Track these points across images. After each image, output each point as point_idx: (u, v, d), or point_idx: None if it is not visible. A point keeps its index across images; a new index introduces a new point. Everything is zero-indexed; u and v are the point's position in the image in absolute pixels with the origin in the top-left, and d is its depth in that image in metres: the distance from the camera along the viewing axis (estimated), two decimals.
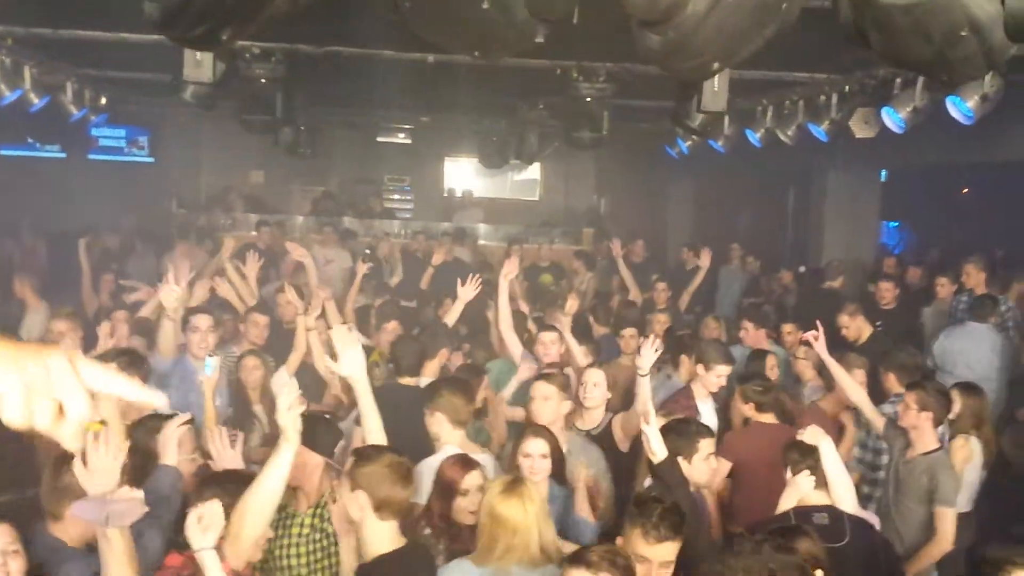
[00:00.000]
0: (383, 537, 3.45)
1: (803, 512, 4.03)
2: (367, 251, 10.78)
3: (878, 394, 5.91)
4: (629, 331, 7.46)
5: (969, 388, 5.74)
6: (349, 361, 4.10)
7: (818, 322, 5.78)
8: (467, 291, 6.93)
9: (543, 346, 6.33)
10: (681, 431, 4.36)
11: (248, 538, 3.28)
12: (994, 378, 7.58)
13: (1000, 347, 7.78)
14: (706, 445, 4.35)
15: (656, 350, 5.21)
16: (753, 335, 7.50)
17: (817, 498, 4.13)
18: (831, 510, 4.08)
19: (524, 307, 8.17)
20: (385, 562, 3.42)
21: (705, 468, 4.36)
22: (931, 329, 8.70)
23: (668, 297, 9.60)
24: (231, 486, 3.45)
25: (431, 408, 4.68)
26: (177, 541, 3.41)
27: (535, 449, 4.33)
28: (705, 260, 10.09)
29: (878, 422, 5.30)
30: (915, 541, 4.90)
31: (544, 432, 4.47)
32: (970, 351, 7.65)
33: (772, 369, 6.52)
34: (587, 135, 7.49)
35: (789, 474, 4.24)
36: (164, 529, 3.63)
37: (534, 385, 5.10)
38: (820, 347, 5.62)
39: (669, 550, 3.35)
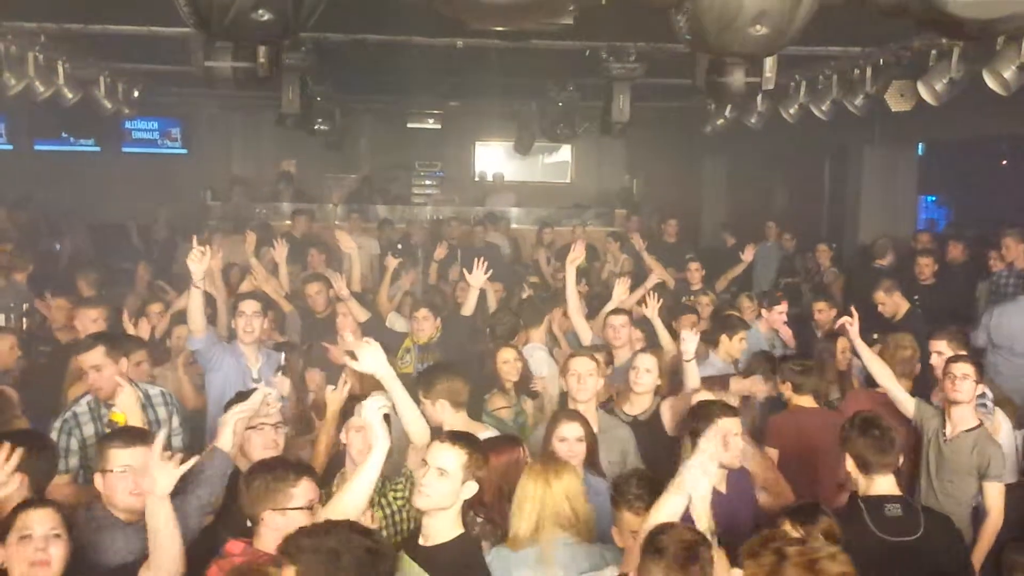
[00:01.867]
0: (449, 524, 3.46)
1: (875, 502, 3.92)
2: (399, 245, 10.76)
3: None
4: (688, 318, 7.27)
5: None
6: (368, 358, 4.08)
7: (853, 308, 5.68)
8: (477, 277, 6.88)
9: (612, 329, 6.32)
10: (700, 411, 4.36)
11: None
12: None
13: None
14: (727, 424, 4.28)
15: (696, 333, 5.22)
16: (767, 318, 7.40)
17: (887, 487, 3.98)
18: (904, 501, 3.98)
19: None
20: (447, 549, 3.44)
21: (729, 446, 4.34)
22: (985, 304, 8.50)
23: (702, 276, 9.49)
24: None
25: (431, 397, 4.63)
26: (233, 530, 3.48)
27: (571, 433, 4.34)
28: (749, 255, 10.01)
29: (908, 405, 5.19)
30: (964, 517, 4.83)
31: (579, 416, 4.49)
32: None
33: (843, 352, 6.33)
34: (618, 118, 7.42)
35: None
36: (202, 509, 3.70)
37: (575, 360, 5.03)
38: (853, 333, 5.49)
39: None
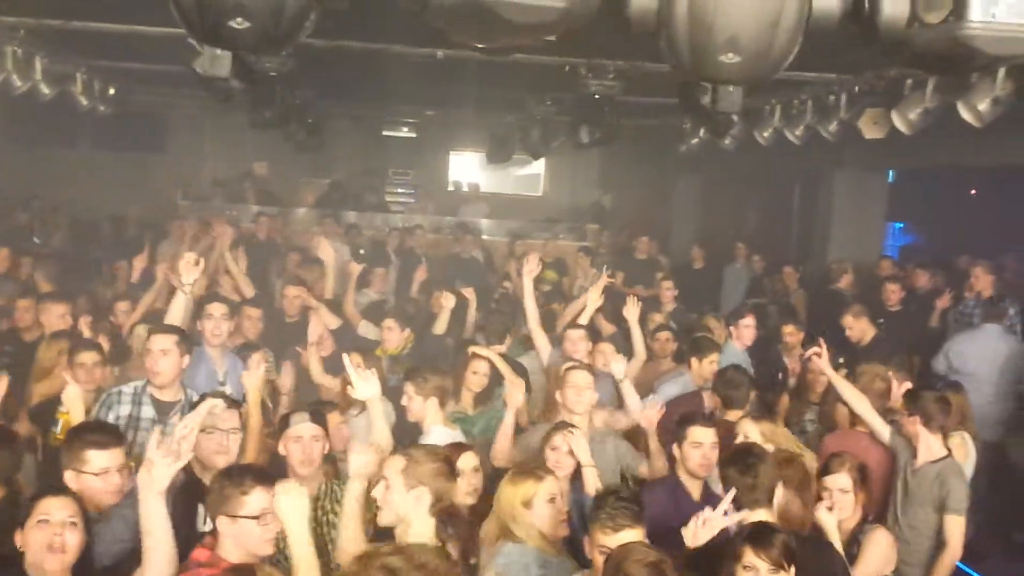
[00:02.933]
0: (429, 533, 3.49)
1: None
2: (360, 251, 10.73)
3: None
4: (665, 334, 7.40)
5: (954, 387, 5.78)
6: (365, 386, 4.28)
7: (821, 339, 5.76)
8: (448, 300, 6.99)
9: (571, 343, 6.35)
10: (679, 420, 4.64)
11: None
12: (1000, 380, 7.59)
13: (1012, 349, 7.79)
14: (696, 432, 4.53)
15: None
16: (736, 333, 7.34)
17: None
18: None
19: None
20: None
21: (695, 454, 4.52)
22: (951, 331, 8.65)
23: (675, 296, 9.51)
24: None
25: (424, 393, 4.80)
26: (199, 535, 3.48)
27: (562, 443, 4.47)
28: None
29: (884, 434, 5.22)
30: (926, 549, 4.88)
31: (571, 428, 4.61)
32: (984, 353, 7.64)
33: (819, 375, 6.32)
34: (595, 133, 7.45)
35: None
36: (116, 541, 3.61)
37: (572, 373, 5.12)
38: (823, 363, 5.55)
39: (630, 537, 3.43)
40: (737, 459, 4.02)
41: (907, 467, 5.03)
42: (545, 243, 13.26)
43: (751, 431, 4.87)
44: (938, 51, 3.07)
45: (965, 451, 5.43)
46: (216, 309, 5.84)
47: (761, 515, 3.84)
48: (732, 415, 5.38)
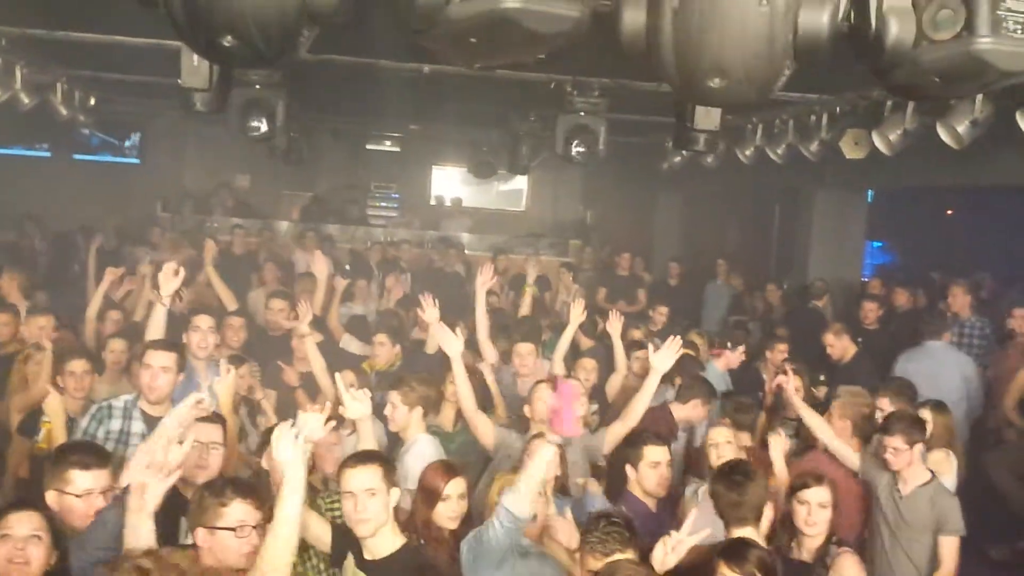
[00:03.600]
0: (389, 536, 3.55)
1: None
2: (347, 267, 10.71)
3: None
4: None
5: (939, 406, 5.73)
6: (356, 406, 4.25)
7: (789, 367, 5.82)
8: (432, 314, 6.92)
9: (520, 358, 6.43)
10: (630, 439, 4.74)
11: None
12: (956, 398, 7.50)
13: (961, 365, 7.75)
14: (652, 452, 4.60)
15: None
16: (727, 357, 7.37)
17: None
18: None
19: None
20: (398, 559, 3.52)
21: (652, 475, 4.59)
22: None
23: (665, 320, 9.41)
24: None
25: (410, 402, 4.85)
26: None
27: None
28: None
29: (852, 461, 5.21)
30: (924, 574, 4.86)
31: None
32: (928, 370, 7.41)
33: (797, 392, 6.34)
34: (581, 150, 7.47)
35: None
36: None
37: (538, 387, 5.18)
38: (790, 392, 5.58)
39: None
40: (725, 475, 4.03)
41: (891, 493, 4.96)
42: (527, 258, 13.25)
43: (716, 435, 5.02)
44: (945, 68, 3.07)
45: (949, 466, 5.43)
46: (203, 321, 5.82)
47: (747, 532, 3.83)
48: (743, 439, 5.41)
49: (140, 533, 3.23)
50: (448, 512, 3.99)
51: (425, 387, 4.98)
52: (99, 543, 3.42)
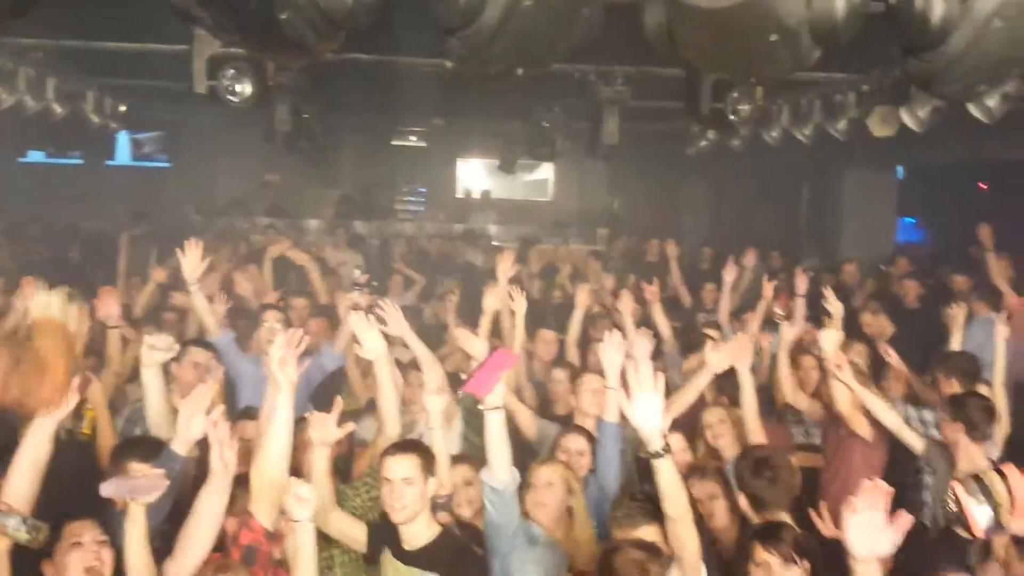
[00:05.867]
0: (426, 524, 3.64)
1: None
2: (356, 267, 10.68)
3: None
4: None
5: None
6: (369, 344, 4.32)
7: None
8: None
9: (545, 345, 6.55)
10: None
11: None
12: None
13: None
14: (568, 440, 4.63)
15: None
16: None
17: None
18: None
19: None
20: (437, 547, 3.60)
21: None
22: None
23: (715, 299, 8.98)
24: None
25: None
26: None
27: (574, 445, 4.53)
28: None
29: (918, 444, 4.97)
30: None
31: (583, 431, 4.67)
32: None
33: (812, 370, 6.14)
34: (606, 141, 7.48)
35: None
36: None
37: (586, 378, 5.14)
38: (847, 377, 5.05)
39: (649, 534, 3.49)
40: (755, 470, 4.01)
41: (942, 479, 4.72)
42: (556, 248, 13.27)
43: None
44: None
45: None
46: (272, 316, 6.10)
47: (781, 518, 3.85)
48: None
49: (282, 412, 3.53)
50: (462, 502, 4.15)
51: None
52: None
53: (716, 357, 5.03)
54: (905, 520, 2.67)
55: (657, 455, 3.22)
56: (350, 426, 3.85)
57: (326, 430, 3.69)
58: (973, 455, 4.63)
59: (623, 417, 3.61)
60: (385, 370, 4.30)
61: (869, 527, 2.66)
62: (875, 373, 6.10)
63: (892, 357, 6.07)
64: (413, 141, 15.46)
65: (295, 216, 14.74)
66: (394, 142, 15.47)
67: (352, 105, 11.48)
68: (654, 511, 3.53)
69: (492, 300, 5.99)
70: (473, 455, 4.52)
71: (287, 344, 3.62)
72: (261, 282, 8.15)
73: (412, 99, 10.68)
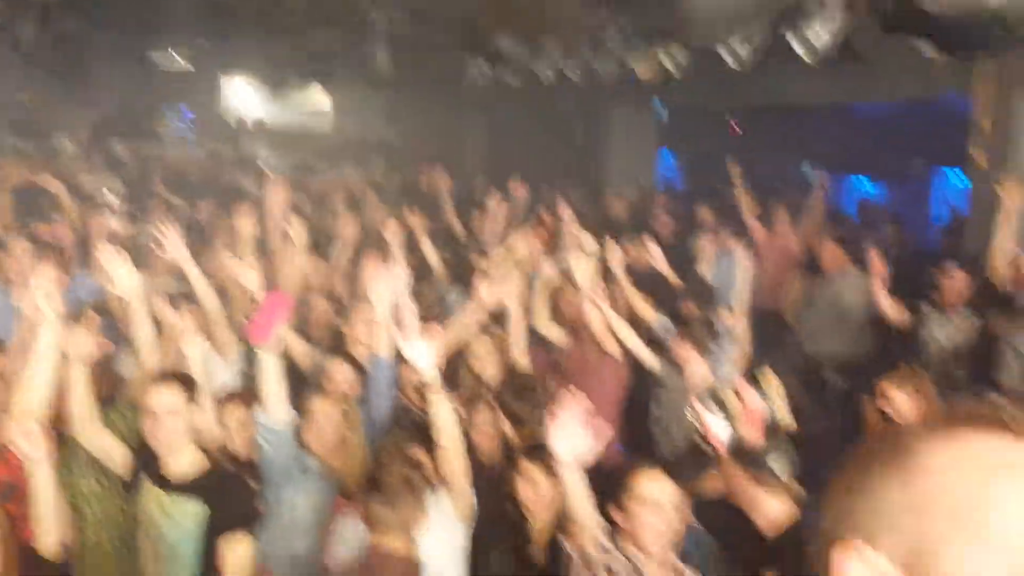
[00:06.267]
0: (195, 457, 3.56)
1: None
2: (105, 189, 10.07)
3: None
4: None
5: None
6: (122, 280, 4.10)
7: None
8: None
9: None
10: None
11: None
12: None
13: None
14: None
15: None
16: None
17: None
18: None
19: None
20: (200, 480, 3.52)
21: None
22: None
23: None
24: None
25: None
26: None
27: (340, 375, 4.55)
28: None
29: (656, 364, 5.42)
30: None
31: (351, 359, 4.67)
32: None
33: None
34: (381, 67, 7.42)
35: None
36: None
37: (360, 307, 5.14)
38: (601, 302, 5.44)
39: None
40: (514, 387, 4.31)
41: (678, 394, 5.06)
42: (334, 179, 13.06)
43: None
44: None
45: None
46: (19, 247, 5.70)
47: None
48: None
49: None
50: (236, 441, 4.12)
51: None
52: None
53: (486, 291, 5.11)
54: (604, 428, 2.97)
55: (432, 389, 3.34)
56: (107, 344, 3.72)
57: (80, 344, 3.53)
58: (702, 370, 4.86)
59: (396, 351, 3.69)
60: (141, 309, 4.14)
61: (570, 433, 2.94)
62: None
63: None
64: (179, 61, 14.63)
65: (45, 136, 13.62)
66: (159, 63, 14.59)
67: (109, 21, 10.71)
68: (423, 440, 3.65)
69: (246, 223, 5.93)
70: (251, 390, 4.46)
71: (47, 275, 3.47)
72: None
73: (175, 17, 10.13)
